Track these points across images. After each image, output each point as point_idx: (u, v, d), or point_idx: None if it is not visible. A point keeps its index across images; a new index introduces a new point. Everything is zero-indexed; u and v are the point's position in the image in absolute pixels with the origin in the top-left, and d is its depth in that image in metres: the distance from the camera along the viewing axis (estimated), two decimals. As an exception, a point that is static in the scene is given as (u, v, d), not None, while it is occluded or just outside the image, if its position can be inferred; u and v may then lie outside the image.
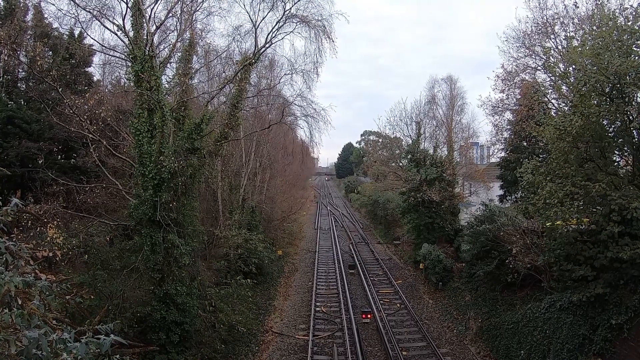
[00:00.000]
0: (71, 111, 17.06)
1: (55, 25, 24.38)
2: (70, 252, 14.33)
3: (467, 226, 28.51)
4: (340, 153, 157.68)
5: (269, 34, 19.42)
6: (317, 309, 26.97)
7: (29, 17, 27.69)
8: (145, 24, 17.15)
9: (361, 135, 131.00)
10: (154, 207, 16.63)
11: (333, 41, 19.81)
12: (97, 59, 29.18)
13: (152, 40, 17.38)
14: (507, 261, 20.77)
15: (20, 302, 4.26)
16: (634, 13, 15.16)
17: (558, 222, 17.15)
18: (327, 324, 24.76)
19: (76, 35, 26.34)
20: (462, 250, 28.16)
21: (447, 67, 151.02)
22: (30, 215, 13.11)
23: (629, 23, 14.99)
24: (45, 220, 13.69)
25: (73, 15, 17.07)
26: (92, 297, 10.41)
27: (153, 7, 17.62)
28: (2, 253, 4.78)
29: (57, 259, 9.17)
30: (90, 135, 18.27)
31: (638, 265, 14.32)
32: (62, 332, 4.42)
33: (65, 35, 26.05)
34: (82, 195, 19.22)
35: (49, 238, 11.47)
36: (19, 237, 11.81)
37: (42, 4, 23.58)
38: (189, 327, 17.70)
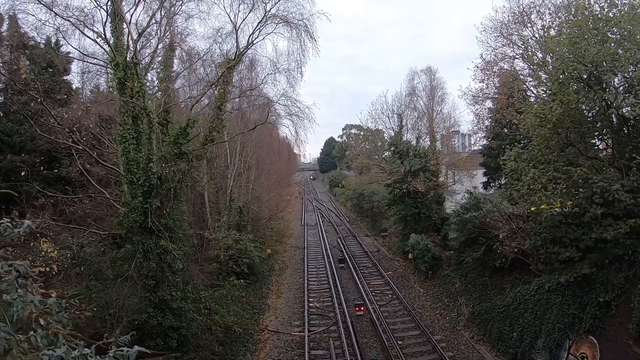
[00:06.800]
0: (55, 122, 16.85)
1: (32, 34, 23.89)
2: (65, 265, 14.21)
3: (454, 214, 28.92)
4: (322, 148, 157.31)
5: (250, 36, 19.31)
6: (310, 304, 27.17)
7: (4, 27, 27.07)
8: (126, 30, 16.97)
9: (342, 129, 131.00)
10: (145, 214, 16.53)
11: (315, 40, 19.76)
12: (75, 66, 28.71)
13: (136, 47, 17.21)
14: (494, 247, 21.17)
15: (42, 323, 4.29)
16: (608, 1, 15.60)
17: (542, 206, 17.56)
18: (322, 319, 24.96)
19: (53, 43, 25.86)
20: (450, 238, 28.57)
21: (428, 63, 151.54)
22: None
23: (604, 11, 15.42)
24: (39, 234, 13.54)
25: (52, 25, 16.82)
26: (95, 309, 10.36)
27: (132, 13, 17.45)
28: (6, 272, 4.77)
29: (54, 272, 9.14)
30: (74, 145, 18.07)
31: (621, 244, 14.79)
32: (82, 348, 4.47)
33: (42, 44, 25.55)
34: (71, 206, 19.00)
35: (43, 252, 11.35)
36: (14, 254, 11.66)
37: (20, 15, 23.06)
38: (186, 332, 17.68)
